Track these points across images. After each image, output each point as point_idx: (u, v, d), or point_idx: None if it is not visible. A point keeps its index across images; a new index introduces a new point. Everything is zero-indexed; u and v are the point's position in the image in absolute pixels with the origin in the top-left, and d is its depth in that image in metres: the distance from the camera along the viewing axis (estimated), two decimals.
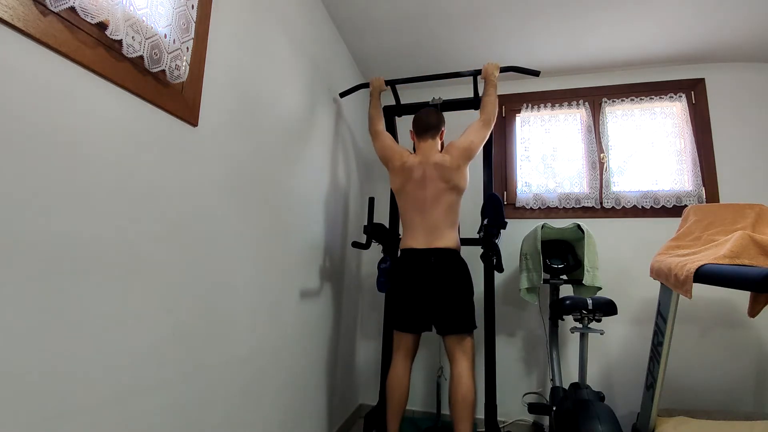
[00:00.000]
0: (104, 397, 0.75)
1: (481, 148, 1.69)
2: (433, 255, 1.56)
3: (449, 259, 1.57)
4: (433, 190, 1.61)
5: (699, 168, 2.15)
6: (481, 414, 1.72)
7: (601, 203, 2.23)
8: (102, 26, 0.74)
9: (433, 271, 1.55)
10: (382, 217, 2.23)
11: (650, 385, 1.50)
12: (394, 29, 2.04)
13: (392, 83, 1.95)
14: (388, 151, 1.76)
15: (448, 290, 1.54)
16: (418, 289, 1.56)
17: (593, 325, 1.61)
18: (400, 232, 1.86)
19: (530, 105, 2.42)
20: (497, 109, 1.71)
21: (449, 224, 1.61)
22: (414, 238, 1.62)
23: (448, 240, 1.59)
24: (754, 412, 1.87)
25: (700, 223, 1.46)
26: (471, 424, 1.44)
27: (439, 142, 1.72)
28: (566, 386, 1.74)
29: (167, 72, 0.89)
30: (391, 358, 1.63)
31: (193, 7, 0.98)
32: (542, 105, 2.41)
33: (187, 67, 0.95)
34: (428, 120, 1.71)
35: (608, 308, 1.58)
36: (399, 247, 1.70)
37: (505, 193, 2.41)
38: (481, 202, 1.87)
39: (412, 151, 1.75)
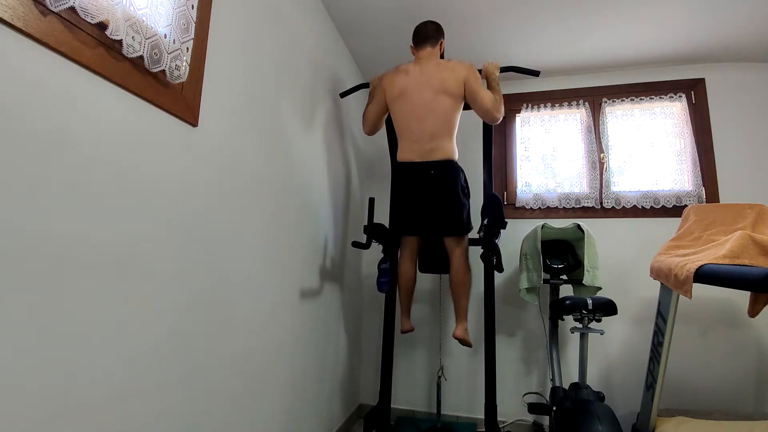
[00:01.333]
0: (104, 397, 0.75)
1: (482, 149, 1.69)
2: (433, 168, 1.62)
3: (447, 171, 1.63)
4: (430, 91, 1.63)
5: (699, 168, 2.15)
6: (481, 414, 1.72)
7: (601, 203, 2.23)
8: (102, 26, 0.74)
9: (432, 183, 1.62)
10: (382, 217, 2.23)
11: (650, 385, 1.50)
12: (394, 29, 2.04)
13: None
14: (380, 92, 1.76)
15: (447, 200, 1.62)
16: (420, 200, 1.65)
17: (593, 325, 1.62)
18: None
19: (530, 105, 2.42)
20: (503, 105, 1.68)
21: (447, 133, 1.64)
22: (412, 150, 1.67)
23: (446, 151, 1.63)
24: (754, 412, 1.87)
25: (700, 223, 1.46)
26: (467, 300, 1.69)
27: (439, 53, 1.73)
28: (566, 386, 1.74)
29: (167, 72, 0.89)
30: (400, 257, 1.82)
31: (193, 7, 0.98)
32: (542, 105, 2.41)
33: (187, 67, 0.95)
34: (426, 29, 1.73)
35: (608, 308, 1.58)
36: (396, 158, 1.74)
37: (505, 193, 2.41)
38: (481, 202, 1.87)
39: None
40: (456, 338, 1.65)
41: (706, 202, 2.12)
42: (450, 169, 1.63)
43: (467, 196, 1.71)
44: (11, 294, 0.60)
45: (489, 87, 1.75)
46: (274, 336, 1.40)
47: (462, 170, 1.70)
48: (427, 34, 1.72)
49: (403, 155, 1.70)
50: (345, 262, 2.15)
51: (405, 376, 2.35)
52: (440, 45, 1.74)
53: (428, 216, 1.65)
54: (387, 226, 1.85)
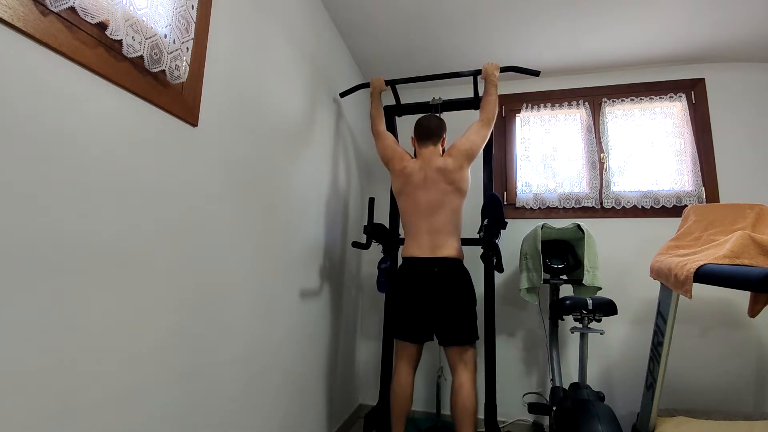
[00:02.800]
0: (104, 397, 0.75)
1: (482, 149, 1.69)
2: (437, 265, 1.54)
3: (453, 270, 1.55)
4: (435, 193, 1.60)
5: (699, 168, 2.15)
6: (481, 414, 1.72)
7: (601, 203, 2.23)
8: (102, 26, 0.74)
9: (436, 282, 1.53)
10: (382, 217, 2.23)
11: (650, 385, 1.50)
12: (394, 29, 2.04)
13: (392, 83, 1.95)
14: (389, 151, 1.76)
15: (450, 301, 1.52)
16: (421, 299, 1.55)
17: (593, 325, 1.61)
18: (401, 232, 1.86)
19: (530, 105, 2.42)
20: (497, 109, 1.71)
21: (452, 231, 1.60)
22: (417, 246, 1.60)
23: (451, 249, 1.57)
24: (754, 412, 1.87)
25: (700, 223, 1.46)
26: (474, 429, 1.47)
27: (441, 149, 1.71)
28: (566, 386, 1.74)
29: (167, 72, 0.89)
30: (394, 367, 1.62)
31: (193, 7, 0.98)
32: (542, 105, 2.41)
33: (187, 67, 0.95)
34: (430, 126, 1.70)
35: (608, 308, 1.58)
36: (401, 255, 1.69)
37: (505, 193, 2.41)
38: (481, 202, 1.87)
39: (413, 156, 1.75)
40: None
41: (706, 202, 2.12)
42: (455, 268, 1.56)
43: (474, 303, 1.58)
44: (11, 294, 0.60)
45: (485, 88, 1.75)
46: (274, 336, 1.40)
47: (468, 273, 1.61)
48: (431, 131, 1.69)
49: (407, 251, 1.64)
50: (345, 262, 2.15)
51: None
52: (442, 141, 1.72)
53: (430, 318, 1.53)
54: (387, 226, 1.84)
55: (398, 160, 1.70)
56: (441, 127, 1.72)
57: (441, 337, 1.55)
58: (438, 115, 1.80)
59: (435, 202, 1.59)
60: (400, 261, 1.72)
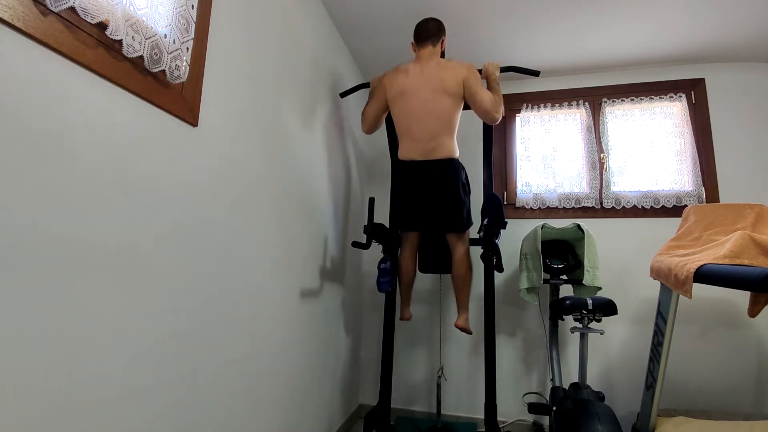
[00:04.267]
0: (104, 397, 0.75)
1: (482, 149, 1.69)
2: (434, 166, 1.65)
3: (449, 170, 1.65)
4: (430, 91, 1.64)
5: (699, 168, 2.15)
6: (481, 414, 1.72)
7: (601, 203, 2.23)
8: (102, 26, 0.74)
9: (434, 182, 1.65)
10: (382, 217, 2.23)
11: (650, 385, 1.50)
12: (394, 29, 2.04)
13: None
14: (376, 89, 1.79)
15: (448, 197, 1.65)
16: (421, 197, 1.67)
17: (593, 325, 1.61)
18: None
19: (530, 105, 2.42)
20: (503, 106, 1.69)
21: (447, 132, 1.66)
22: (413, 149, 1.68)
23: (447, 149, 1.66)
24: (754, 412, 1.87)
25: (700, 223, 1.46)
26: (468, 292, 1.75)
27: (440, 51, 1.74)
28: (566, 386, 1.74)
29: (167, 72, 0.89)
30: (400, 252, 1.85)
31: (193, 7, 0.98)
32: (542, 105, 2.41)
33: (187, 67, 0.95)
34: (427, 26, 1.73)
35: (608, 308, 1.58)
36: (398, 155, 1.75)
37: (505, 193, 2.41)
38: (481, 202, 1.87)
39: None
40: (458, 327, 1.70)
41: (706, 202, 2.12)
42: (451, 168, 1.66)
43: (468, 193, 1.74)
44: (11, 294, 0.60)
45: (489, 87, 1.74)
46: (274, 336, 1.40)
47: (463, 167, 1.73)
48: (429, 32, 1.72)
49: (404, 154, 1.72)
50: (345, 262, 2.15)
51: (405, 376, 2.35)
52: (441, 43, 1.75)
53: (430, 213, 1.68)
54: (387, 226, 1.85)
55: (392, 72, 1.75)
56: (440, 27, 1.75)
57: (442, 227, 1.72)
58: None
59: (430, 102, 1.64)
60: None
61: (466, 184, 1.74)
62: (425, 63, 1.69)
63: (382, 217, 2.26)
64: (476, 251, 1.82)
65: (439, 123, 1.65)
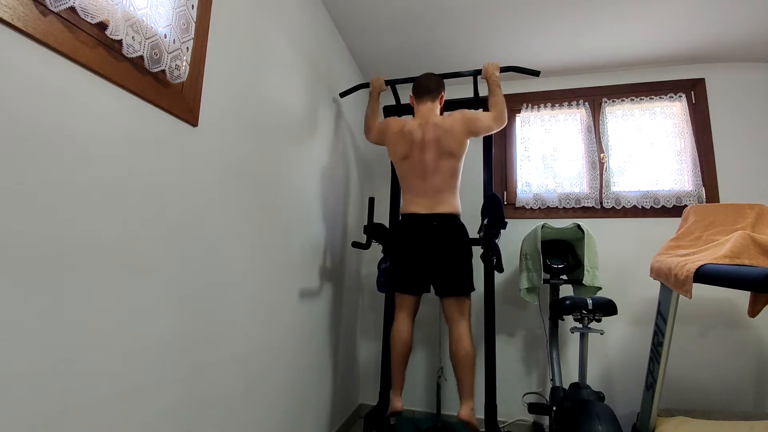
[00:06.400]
0: (104, 397, 0.75)
1: (482, 149, 1.69)
2: (436, 220, 1.61)
3: (451, 225, 1.62)
4: (433, 153, 1.64)
5: (699, 168, 2.15)
6: (481, 414, 1.72)
7: (601, 203, 2.23)
8: (102, 26, 0.74)
9: (435, 236, 1.60)
10: (382, 217, 2.23)
11: (650, 385, 1.50)
12: (394, 29, 2.04)
13: (392, 83, 1.95)
14: (383, 125, 1.79)
15: (449, 255, 1.59)
16: (420, 253, 1.61)
17: (593, 325, 1.61)
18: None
19: (530, 105, 2.42)
20: (506, 109, 1.71)
21: (450, 189, 1.65)
22: (416, 204, 1.66)
23: (449, 205, 1.63)
24: (754, 412, 1.87)
25: (700, 223, 1.46)
26: (473, 376, 1.55)
27: (439, 107, 1.73)
28: (566, 386, 1.74)
29: (167, 72, 0.89)
30: (395, 317, 1.69)
31: (193, 7, 0.98)
32: (542, 105, 2.41)
33: (187, 67, 0.95)
34: (428, 82, 1.73)
35: (608, 308, 1.58)
36: (400, 212, 1.74)
37: (505, 193, 2.41)
38: (481, 202, 1.87)
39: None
40: (462, 420, 1.50)
41: (706, 202, 2.12)
42: (453, 223, 1.63)
43: (470, 255, 1.66)
44: (11, 294, 0.60)
45: (489, 88, 1.75)
46: (274, 336, 1.40)
47: (465, 228, 1.67)
48: (429, 88, 1.72)
49: (406, 208, 1.69)
50: (345, 262, 2.15)
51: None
52: (440, 99, 1.74)
53: (429, 271, 1.60)
54: (387, 226, 1.84)
55: (395, 125, 1.74)
56: (439, 83, 1.74)
57: (439, 289, 1.61)
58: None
59: (433, 162, 1.63)
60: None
61: (469, 246, 1.66)
62: (426, 123, 1.67)
63: (383, 217, 2.26)
64: (476, 252, 1.82)
65: (442, 181, 1.64)
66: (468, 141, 1.67)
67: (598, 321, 1.61)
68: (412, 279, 1.63)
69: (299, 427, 1.58)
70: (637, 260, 2.09)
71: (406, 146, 1.68)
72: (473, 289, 1.63)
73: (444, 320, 1.67)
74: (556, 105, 2.40)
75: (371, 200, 1.82)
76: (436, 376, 2.08)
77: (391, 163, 1.87)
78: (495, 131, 1.71)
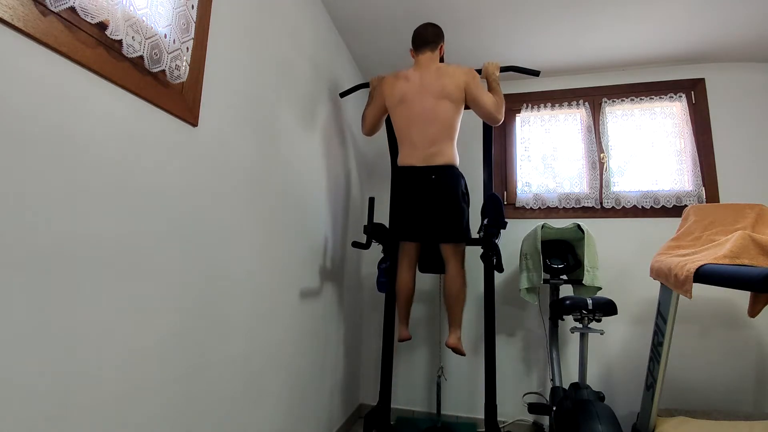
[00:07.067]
0: (104, 397, 0.75)
1: (482, 149, 1.69)
2: (434, 173, 1.61)
3: (449, 176, 1.62)
4: (430, 100, 1.62)
5: (699, 168, 2.15)
6: (481, 414, 1.72)
7: (601, 203, 2.23)
8: (102, 26, 0.74)
9: (433, 188, 1.61)
10: (382, 217, 2.23)
11: (650, 385, 1.50)
12: (394, 29, 2.04)
13: None
14: (375, 93, 1.77)
15: (447, 205, 1.61)
16: (420, 204, 1.63)
17: (593, 325, 1.61)
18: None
19: (530, 105, 2.42)
20: (504, 106, 1.69)
21: (448, 139, 1.64)
22: (413, 155, 1.65)
23: (447, 156, 1.62)
24: (754, 412, 1.87)
25: (700, 223, 1.46)
26: (461, 310, 1.67)
27: (438, 57, 1.72)
28: (566, 386, 1.74)
29: (167, 72, 0.89)
30: (399, 264, 1.77)
31: (193, 7, 0.98)
32: (542, 105, 2.41)
33: (187, 67, 0.95)
34: (426, 33, 1.71)
35: (608, 308, 1.58)
36: (398, 162, 1.73)
37: (505, 193, 2.41)
38: (481, 202, 1.87)
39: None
40: (449, 347, 1.63)
41: (706, 202, 2.12)
42: (451, 174, 1.63)
43: (467, 203, 1.69)
44: (10, 294, 0.60)
45: (489, 87, 1.74)
46: (274, 336, 1.40)
47: (463, 176, 1.69)
48: (427, 39, 1.70)
49: (404, 160, 1.69)
50: (345, 262, 2.15)
51: (405, 376, 2.35)
52: (440, 49, 1.73)
53: (427, 221, 1.63)
54: (387, 226, 1.84)
55: (389, 80, 1.73)
56: (438, 33, 1.73)
57: (438, 236, 1.66)
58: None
59: (430, 106, 1.62)
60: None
61: (466, 194, 1.70)
62: (425, 69, 1.67)
63: (382, 217, 2.26)
64: (476, 252, 1.82)
65: (439, 129, 1.62)
66: (464, 96, 1.63)
67: (598, 321, 1.61)
68: (412, 228, 1.67)
69: (299, 426, 1.58)
70: (637, 260, 2.09)
71: (403, 87, 1.66)
72: (469, 237, 1.67)
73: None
74: (556, 105, 2.40)
75: (371, 200, 1.82)
76: (436, 376, 2.08)
77: (388, 118, 1.86)
78: (489, 116, 1.65)
